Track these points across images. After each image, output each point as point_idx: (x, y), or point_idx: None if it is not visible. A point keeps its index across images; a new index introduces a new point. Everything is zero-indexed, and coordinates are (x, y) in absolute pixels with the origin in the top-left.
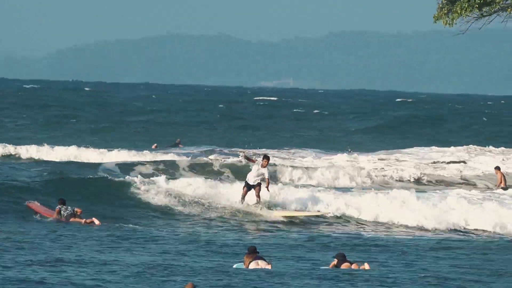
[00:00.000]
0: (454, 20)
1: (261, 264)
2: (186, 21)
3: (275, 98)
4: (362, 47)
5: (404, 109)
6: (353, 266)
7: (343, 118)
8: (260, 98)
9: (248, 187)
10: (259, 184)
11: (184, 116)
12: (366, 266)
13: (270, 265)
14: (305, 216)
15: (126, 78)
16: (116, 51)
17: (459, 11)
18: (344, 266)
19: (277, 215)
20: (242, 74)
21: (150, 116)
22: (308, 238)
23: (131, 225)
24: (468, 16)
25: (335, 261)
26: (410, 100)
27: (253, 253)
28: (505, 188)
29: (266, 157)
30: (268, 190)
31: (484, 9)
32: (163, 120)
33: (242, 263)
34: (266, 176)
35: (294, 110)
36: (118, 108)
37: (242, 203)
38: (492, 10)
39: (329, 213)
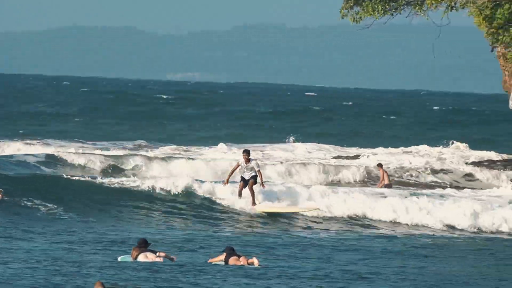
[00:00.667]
0: (363, 17)
1: (150, 257)
2: (92, 13)
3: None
4: (268, 40)
5: (282, 102)
6: (241, 259)
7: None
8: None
9: (245, 181)
10: (253, 177)
11: (56, 108)
12: (255, 260)
13: (160, 258)
14: (289, 212)
15: (31, 69)
16: (22, 42)
17: (370, 12)
18: (232, 259)
19: (260, 209)
20: (148, 67)
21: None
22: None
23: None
24: (381, 15)
25: (223, 254)
26: (313, 94)
27: (143, 245)
28: (389, 185)
29: (244, 151)
30: (263, 186)
31: (392, 6)
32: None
33: (128, 256)
34: (257, 168)
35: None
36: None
37: (240, 198)
38: (398, 5)
39: (318, 208)
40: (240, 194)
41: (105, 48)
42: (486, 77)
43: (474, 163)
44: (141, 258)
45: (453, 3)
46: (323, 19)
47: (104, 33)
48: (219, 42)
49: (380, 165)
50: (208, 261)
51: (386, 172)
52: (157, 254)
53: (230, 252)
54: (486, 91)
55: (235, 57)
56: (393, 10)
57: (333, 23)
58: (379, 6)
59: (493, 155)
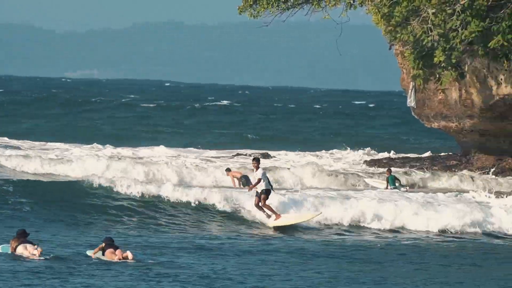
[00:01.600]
0: (260, 13)
1: (30, 249)
2: None
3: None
4: (167, 38)
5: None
6: (117, 252)
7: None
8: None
9: (258, 195)
10: (264, 191)
11: None
12: (129, 254)
13: (39, 250)
14: (298, 222)
15: None
16: None
17: (265, 5)
18: (108, 251)
19: (272, 224)
20: (47, 65)
21: None
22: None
23: None
24: (274, 10)
25: (102, 245)
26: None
27: (22, 236)
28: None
29: (253, 159)
30: (249, 189)
31: (289, 2)
32: None
33: (8, 245)
34: (258, 176)
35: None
36: None
37: (263, 212)
38: (297, 3)
39: (320, 213)
40: (258, 208)
41: (1, 45)
42: (384, 75)
43: (374, 161)
44: (20, 249)
45: (351, 1)
46: (223, 16)
47: (0, 30)
48: (118, 40)
49: (228, 170)
50: (89, 254)
51: (238, 172)
52: (36, 247)
53: (109, 243)
54: (384, 88)
55: (135, 54)
56: (289, 6)
57: (233, 20)
58: (273, 0)
59: (386, 154)
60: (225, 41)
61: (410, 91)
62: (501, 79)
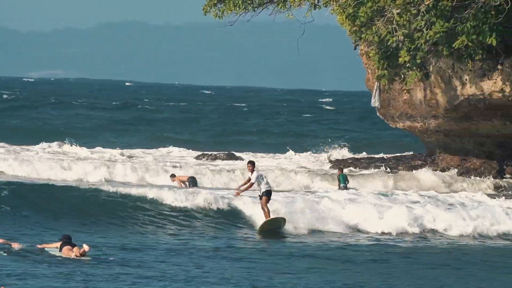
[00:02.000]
0: (225, 13)
1: None
2: None
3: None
4: (131, 38)
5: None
6: (74, 250)
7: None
8: None
9: (260, 198)
10: (264, 193)
11: None
12: (85, 247)
13: None
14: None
15: None
16: None
17: (232, 8)
18: (65, 249)
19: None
20: (10, 65)
21: None
22: None
23: None
24: (241, 11)
25: (57, 244)
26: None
27: None
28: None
29: (248, 162)
30: (237, 193)
31: (254, 3)
32: None
33: None
34: (251, 180)
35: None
36: None
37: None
38: (262, 2)
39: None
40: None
41: None
42: (349, 75)
43: (339, 162)
44: None
45: (316, 1)
46: (187, 16)
47: None
48: (83, 40)
49: (173, 175)
50: (39, 246)
51: (184, 176)
52: None
53: (66, 240)
54: (349, 89)
55: (99, 54)
56: (255, 6)
57: (199, 20)
58: (240, 1)
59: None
60: (191, 41)
61: (374, 91)
62: (466, 80)
